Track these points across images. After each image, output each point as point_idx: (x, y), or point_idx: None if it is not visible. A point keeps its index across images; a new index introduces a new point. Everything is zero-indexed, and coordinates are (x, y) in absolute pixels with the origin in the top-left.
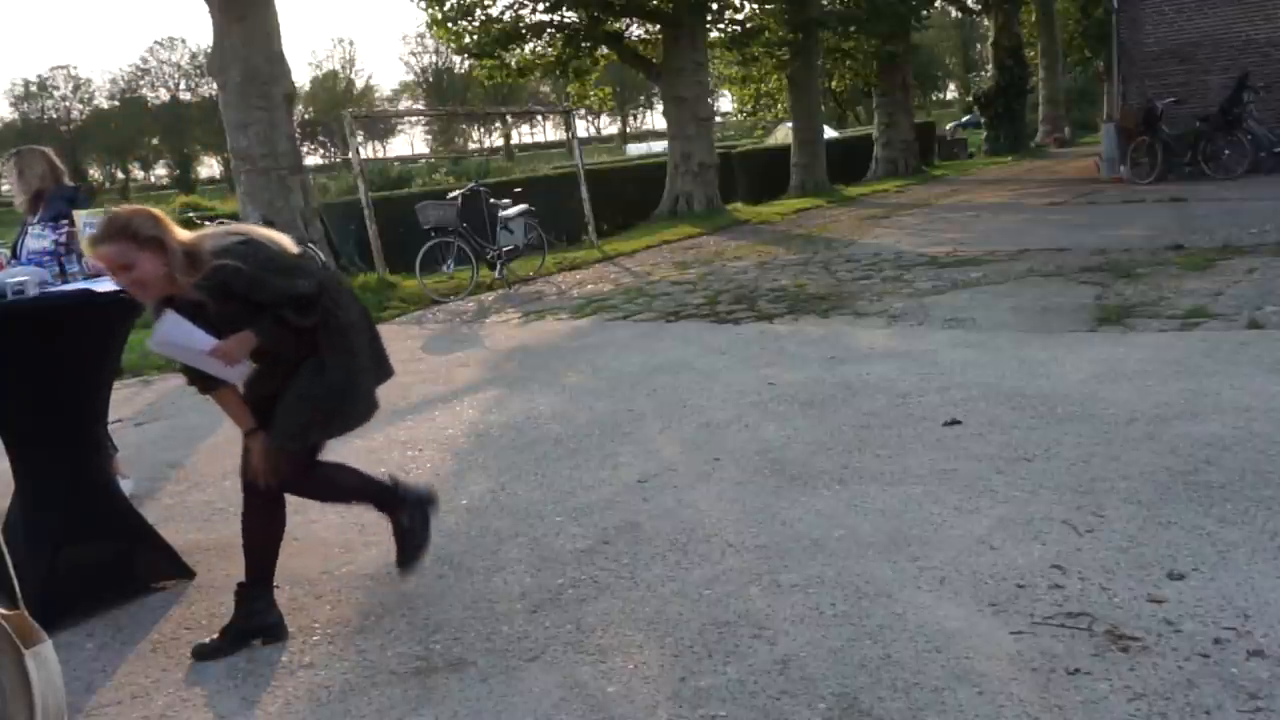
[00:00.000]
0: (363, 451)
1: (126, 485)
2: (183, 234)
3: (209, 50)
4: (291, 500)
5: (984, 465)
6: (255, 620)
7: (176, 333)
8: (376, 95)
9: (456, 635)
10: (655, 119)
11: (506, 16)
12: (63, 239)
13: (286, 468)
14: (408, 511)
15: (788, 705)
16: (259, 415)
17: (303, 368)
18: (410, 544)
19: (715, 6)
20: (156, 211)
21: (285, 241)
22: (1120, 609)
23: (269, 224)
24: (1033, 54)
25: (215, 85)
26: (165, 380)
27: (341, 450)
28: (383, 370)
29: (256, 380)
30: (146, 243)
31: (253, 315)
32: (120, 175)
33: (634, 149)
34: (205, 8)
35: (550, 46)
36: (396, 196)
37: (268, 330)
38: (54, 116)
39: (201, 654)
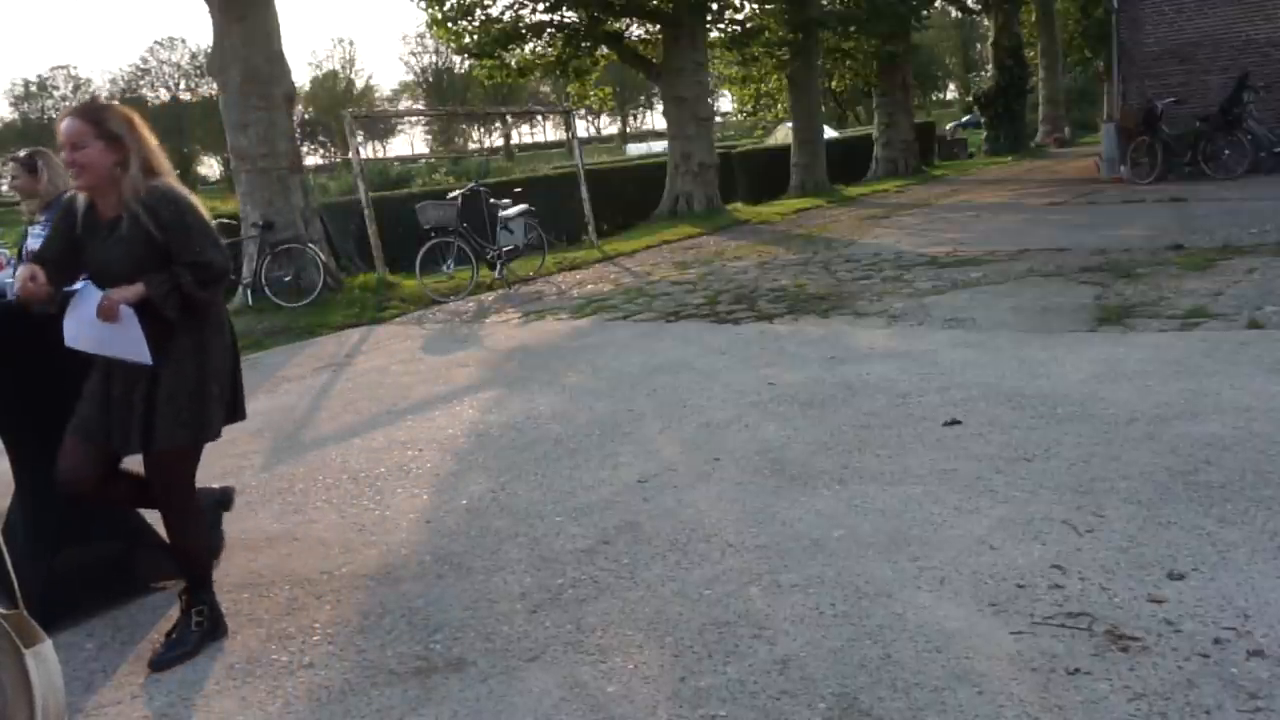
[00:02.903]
0: (363, 451)
1: None
2: (154, 151)
3: (209, 50)
4: (291, 499)
5: (984, 465)
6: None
7: (79, 314)
8: (376, 95)
9: (456, 635)
10: (655, 119)
11: (506, 16)
12: None
13: (187, 467)
14: (209, 609)
15: (788, 705)
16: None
17: (181, 358)
18: (181, 645)
19: (715, 6)
20: (135, 117)
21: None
22: (1120, 609)
23: (269, 225)
24: (1033, 54)
25: (215, 85)
26: None
27: (338, 449)
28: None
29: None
30: (106, 135)
31: (156, 268)
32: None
33: (634, 149)
34: (205, 8)
35: (550, 46)
36: (396, 196)
37: (159, 284)
38: (54, 116)
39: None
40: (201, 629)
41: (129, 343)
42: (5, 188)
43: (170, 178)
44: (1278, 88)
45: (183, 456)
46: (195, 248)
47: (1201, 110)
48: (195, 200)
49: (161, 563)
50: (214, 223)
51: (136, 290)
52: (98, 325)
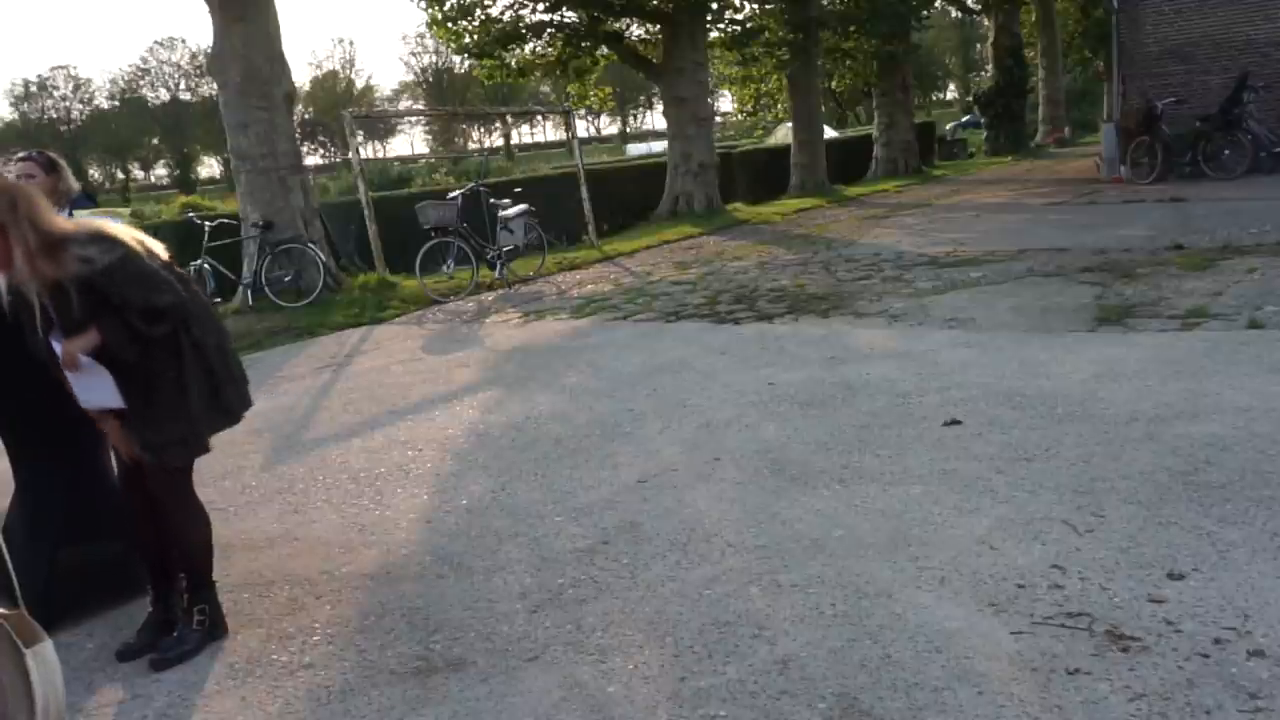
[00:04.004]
0: (363, 451)
1: None
2: (48, 222)
3: (209, 50)
4: (290, 499)
5: (984, 465)
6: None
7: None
8: (376, 95)
9: (456, 635)
10: (655, 119)
11: (506, 16)
12: None
13: (176, 477)
14: (210, 610)
15: (788, 705)
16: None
17: (158, 387)
18: (181, 644)
19: (715, 6)
20: (19, 192)
21: (155, 248)
22: (1120, 609)
23: (268, 225)
24: (1033, 54)
25: (215, 85)
26: None
27: (338, 449)
28: (240, 398)
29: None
30: None
31: (101, 315)
32: (120, 175)
33: (634, 149)
34: (205, 8)
35: (550, 46)
36: (396, 196)
37: (113, 329)
38: (54, 116)
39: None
40: (203, 628)
41: (100, 390)
42: None
43: (64, 235)
44: (1278, 88)
45: (178, 466)
46: (134, 297)
47: (1201, 110)
48: (127, 245)
49: None
50: (211, 223)
51: (90, 339)
52: (73, 378)
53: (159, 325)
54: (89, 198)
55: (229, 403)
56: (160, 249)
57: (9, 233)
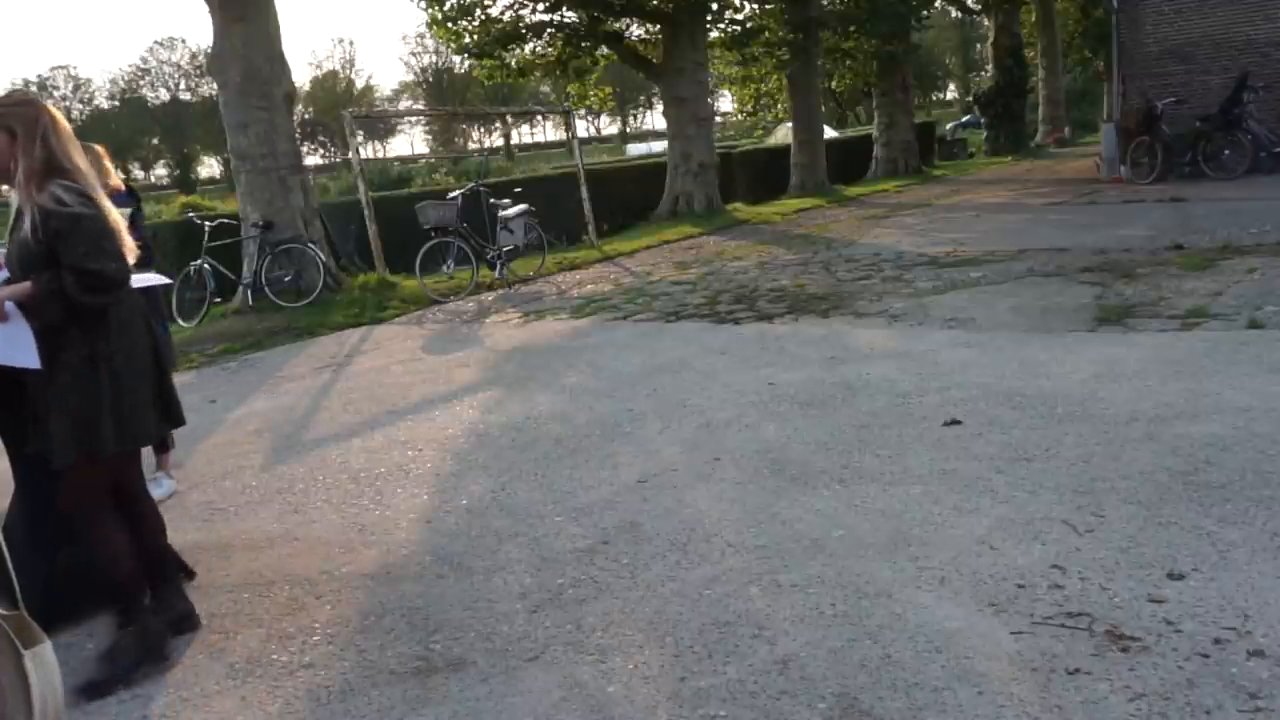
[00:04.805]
0: (363, 451)
1: (165, 486)
2: (59, 149)
3: (209, 50)
4: (290, 499)
5: (984, 465)
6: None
7: None
8: (376, 95)
9: (456, 635)
10: (655, 119)
11: (506, 16)
12: None
13: (87, 483)
14: (143, 630)
15: (788, 705)
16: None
17: (71, 371)
18: (122, 658)
19: (715, 6)
20: (43, 110)
21: (126, 240)
22: (1120, 609)
23: (268, 225)
24: (1033, 54)
25: (215, 85)
26: None
27: (338, 449)
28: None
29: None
30: (4, 128)
31: (41, 269)
32: (120, 175)
33: (634, 149)
34: (205, 8)
35: (550, 46)
36: (396, 196)
37: (47, 283)
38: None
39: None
40: (139, 649)
41: (18, 346)
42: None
43: (78, 178)
44: (1278, 88)
45: (80, 472)
46: (80, 254)
47: (1201, 110)
48: (98, 205)
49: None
50: (211, 223)
51: (23, 289)
52: None
53: (94, 295)
54: (131, 194)
55: (103, 428)
56: (130, 241)
57: (20, 143)
